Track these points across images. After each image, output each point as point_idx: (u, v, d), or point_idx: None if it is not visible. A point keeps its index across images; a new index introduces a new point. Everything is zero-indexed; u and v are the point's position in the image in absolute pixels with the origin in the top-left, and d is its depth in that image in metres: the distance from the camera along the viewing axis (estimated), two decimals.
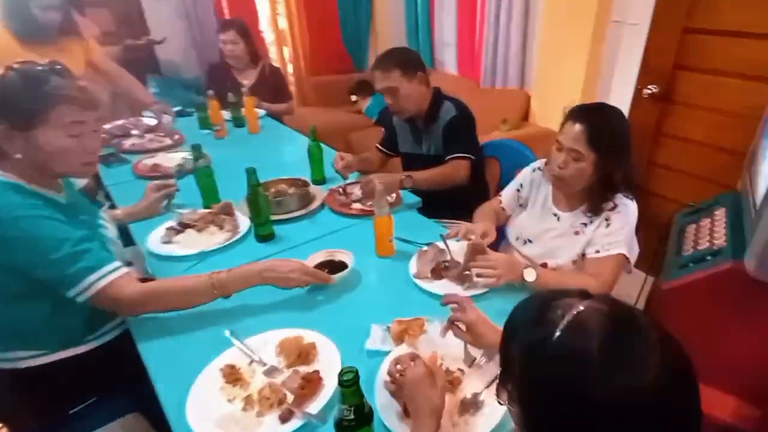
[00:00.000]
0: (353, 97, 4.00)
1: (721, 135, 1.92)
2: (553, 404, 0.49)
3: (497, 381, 0.60)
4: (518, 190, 1.50)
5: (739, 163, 1.60)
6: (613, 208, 1.23)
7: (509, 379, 0.55)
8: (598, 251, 1.22)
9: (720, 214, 1.36)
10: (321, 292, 1.21)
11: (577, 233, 1.29)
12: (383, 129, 2.11)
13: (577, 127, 1.18)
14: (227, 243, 1.40)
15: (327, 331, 1.04)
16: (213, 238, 1.43)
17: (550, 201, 1.39)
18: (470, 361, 0.95)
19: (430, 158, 1.82)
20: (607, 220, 1.23)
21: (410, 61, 1.72)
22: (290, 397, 0.87)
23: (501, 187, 1.81)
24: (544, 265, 1.32)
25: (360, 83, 3.97)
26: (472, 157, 1.75)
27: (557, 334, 0.49)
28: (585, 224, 1.28)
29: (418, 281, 1.23)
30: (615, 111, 1.22)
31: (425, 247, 1.34)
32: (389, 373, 0.89)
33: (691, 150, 2.06)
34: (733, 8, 1.78)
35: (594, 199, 1.25)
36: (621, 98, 2.25)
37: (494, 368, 0.91)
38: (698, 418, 0.48)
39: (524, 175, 1.49)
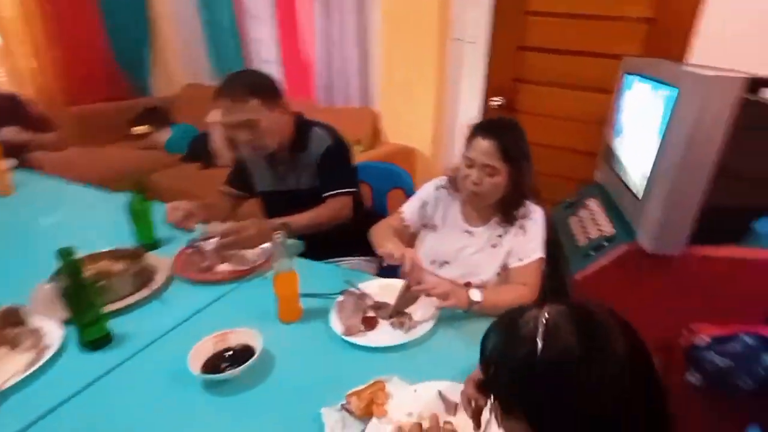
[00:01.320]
0: (138, 129, 3.31)
1: (560, 136, 2.32)
2: (556, 406, 0.54)
3: (493, 410, 0.63)
4: (422, 207, 1.44)
5: (584, 159, 1.98)
6: (525, 216, 1.30)
7: (508, 403, 0.59)
8: (521, 259, 1.26)
9: (593, 204, 1.62)
10: (223, 390, 0.90)
11: (494, 246, 1.31)
12: (231, 166, 1.77)
13: (488, 142, 1.21)
14: (36, 368, 0.94)
15: None
16: (6, 367, 0.95)
17: (460, 219, 1.38)
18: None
19: (300, 194, 1.59)
20: (522, 228, 1.28)
21: (269, 86, 1.47)
22: None
23: (374, 211, 1.77)
24: (469, 285, 1.30)
25: (148, 111, 3.36)
26: (355, 190, 1.60)
27: (539, 346, 0.54)
28: (500, 236, 1.30)
29: (350, 339, 1.05)
30: (516, 123, 1.30)
31: (340, 297, 1.16)
32: None
33: (540, 152, 2.42)
34: (553, 31, 2.21)
35: (507, 209, 1.30)
36: (470, 111, 2.50)
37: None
38: (660, 386, 0.56)
39: (427, 192, 1.45)
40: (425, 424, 0.79)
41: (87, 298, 0.99)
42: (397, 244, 1.24)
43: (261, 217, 1.65)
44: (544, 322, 0.56)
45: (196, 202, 1.59)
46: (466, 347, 1.02)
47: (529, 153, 1.27)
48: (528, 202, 1.31)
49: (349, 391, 0.85)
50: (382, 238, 1.35)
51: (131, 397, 0.91)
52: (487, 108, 2.47)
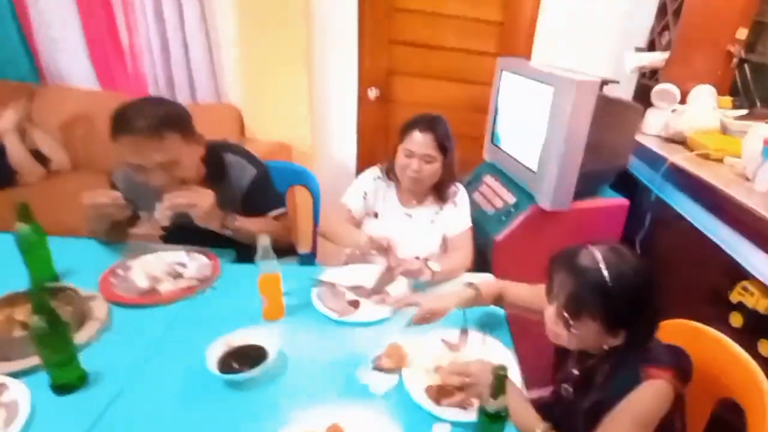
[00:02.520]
0: None
1: None
2: (623, 305, 0.91)
3: (568, 320, 0.95)
4: (364, 198, 1.62)
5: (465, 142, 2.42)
6: (456, 193, 1.64)
7: (584, 312, 0.92)
8: (457, 228, 1.61)
9: (490, 180, 2.04)
10: (241, 388, 1.00)
11: (433, 222, 1.62)
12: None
13: (426, 135, 1.49)
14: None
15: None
16: None
17: (398, 203, 1.63)
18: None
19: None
20: (454, 203, 1.62)
21: (183, 115, 1.34)
22: None
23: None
24: (426, 260, 1.57)
25: None
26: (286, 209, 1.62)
27: (605, 273, 0.90)
28: (437, 212, 1.62)
29: (346, 318, 1.24)
30: (443, 118, 1.58)
31: (315, 290, 1.32)
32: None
33: None
34: (422, 27, 2.54)
35: (440, 190, 1.61)
36: (346, 102, 2.65)
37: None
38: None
39: (365, 183, 1.64)
40: (450, 379, 1.01)
41: (62, 337, 0.92)
42: (366, 236, 1.41)
43: None
44: (600, 256, 0.91)
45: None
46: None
47: (454, 141, 1.56)
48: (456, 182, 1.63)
49: (376, 355, 1.08)
50: (350, 232, 1.52)
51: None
52: (363, 99, 2.67)
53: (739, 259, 1.53)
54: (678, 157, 1.80)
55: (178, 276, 1.33)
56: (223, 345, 1.05)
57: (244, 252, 1.44)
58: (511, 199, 1.88)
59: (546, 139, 1.67)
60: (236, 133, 2.62)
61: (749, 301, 1.53)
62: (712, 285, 1.66)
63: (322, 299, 1.30)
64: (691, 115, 1.97)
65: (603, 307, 0.90)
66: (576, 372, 1.07)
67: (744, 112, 1.99)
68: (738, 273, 1.56)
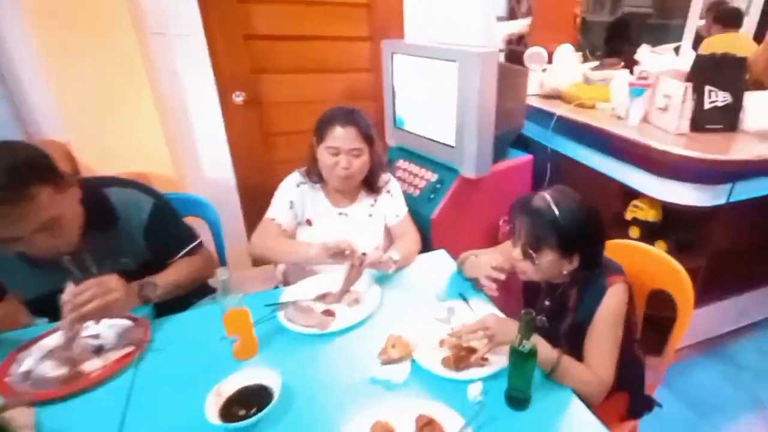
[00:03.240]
0: None
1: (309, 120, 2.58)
2: (573, 233, 1.08)
3: (532, 255, 1.11)
4: (291, 208, 1.54)
5: None
6: (387, 182, 1.66)
7: (543, 244, 1.09)
8: (397, 215, 1.63)
9: (403, 163, 2.09)
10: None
11: (371, 216, 1.62)
12: None
13: (349, 129, 1.45)
14: None
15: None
16: None
17: (329, 205, 1.59)
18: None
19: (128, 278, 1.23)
20: (388, 192, 1.64)
21: (43, 156, 1.10)
22: None
23: None
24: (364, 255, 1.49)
25: None
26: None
27: (555, 209, 1.07)
28: (372, 205, 1.62)
29: (329, 330, 1.20)
30: (356, 108, 1.57)
31: (280, 313, 1.24)
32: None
33: (295, 140, 2.54)
34: (279, 18, 2.33)
35: (372, 182, 1.62)
36: (208, 109, 2.31)
37: None
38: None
39: (288, 193, 1.55)
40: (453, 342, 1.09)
41: None
42: (318, 245, 1.34)
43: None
44: (550, 198, 1.08)
45: None
46: (409, 287, 1.39)
47: (374, 129, 1.56)
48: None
49: (380, 351, 1.09)
50: (292, 245, 1.46)
51: None
52: (228, 106, 2.35)
53: (627, 182, 1.85)
54: (562, 109, 2.07)
55: (99, 350, 1.11)
56: (216, 396, 0.94)
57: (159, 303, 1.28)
58: (433, 176, 1.96)
59: (458, 112, 1.77)
60: (71, 172, 2.16)
61: (641, 215, 1.87)
62: (611, 209, 1.98)
63: (294, 320, 1.22)
64: (559, 72, 2.26)
65: (558, 238, 1.08)
66: (547, 303, 1.23)
67: (596, 63, 2.36)
68: (628, 194, 1.89)
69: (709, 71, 1.71)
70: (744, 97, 1.72)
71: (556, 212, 1.07)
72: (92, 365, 1.07)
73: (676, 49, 2.18)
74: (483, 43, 2.53)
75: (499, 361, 1.05)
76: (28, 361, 1.07)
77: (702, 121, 1.73)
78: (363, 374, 1.05)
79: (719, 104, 1.72)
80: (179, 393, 0.99)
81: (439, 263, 1.51)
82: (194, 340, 1.17)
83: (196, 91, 2.29)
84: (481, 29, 2.67)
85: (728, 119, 1.74)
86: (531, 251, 1.11)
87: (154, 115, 2.23)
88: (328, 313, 1.26)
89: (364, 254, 1.35)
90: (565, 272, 1.14)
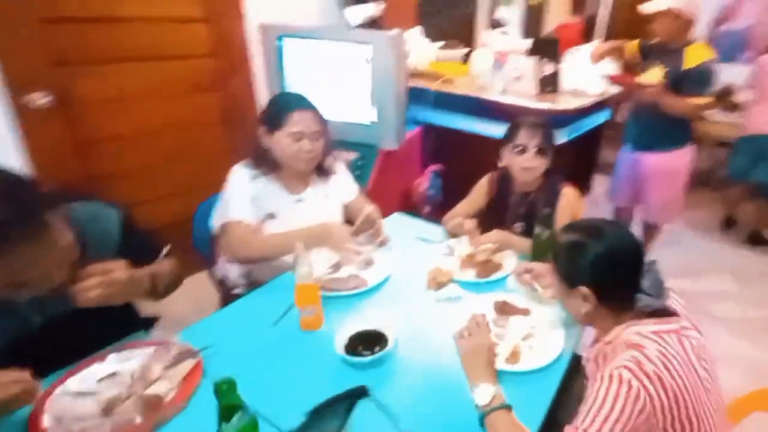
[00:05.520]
0: None
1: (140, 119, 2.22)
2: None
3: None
4: (253, 203, 1.54)
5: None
6: (334, 162, 1.81)
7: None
8: (353, 192, 1.80)
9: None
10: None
11: (327, 196, 1.76)
12: None
13: (306, 113, 1.53)
14: None
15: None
16: None
17: (285, 194, 1.65)
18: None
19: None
20: (337, 171, 1.81)
21: (37, 183, 0.97)
22: None
23: None
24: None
25: None
26: None
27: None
28: (325, 186, 1.76)
29: (363, 285, 1.39)
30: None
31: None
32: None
33: (126, 146, 2.21)
34: None
35: (321, 165, 1.75)
36: None
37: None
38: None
39: (245, 189, 1.53)
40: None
41: None
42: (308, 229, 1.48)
43: None
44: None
45: None
46: (403, 244, 1.63)
47: None
48: None
49: (427, 284, 1.37)
50: (280, 238, 1.49)
51: None
52: (24, 111, 1.86)
53: (499, 136, 2.39)
54: (435, 84, 2.52)
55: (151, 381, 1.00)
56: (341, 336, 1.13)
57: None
58: (351, 155, 2.16)
59: (375, 92, 2.02)
60: None
61: None
62: (492, 162, 2.52)
63: (337, 288, 1.36)
64: (417, 52, 2.70)
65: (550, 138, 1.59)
66: (522, 209, 1.65)
67: (442, 43, 2.89)
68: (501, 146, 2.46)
69: (541, 49, 2.40)
70: (560, 67, 2.49)
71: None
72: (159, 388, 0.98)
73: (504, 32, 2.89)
74: (329, 23, 2.72)
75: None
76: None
77: (542, 85, 2.41)
78: (427, 302, 1.31)
79: (547, 73, 2.43)
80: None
81: (402, 224, 1.79)
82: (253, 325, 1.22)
83: None
84: (323, 11, 2.85)
85: (554, 83, 2.48)
86: (547, 148, 1.55)
87: None
88: (356, 278, 1.41)
89: None
90: (545, 168, 1.59)
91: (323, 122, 1.56)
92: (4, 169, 0.90)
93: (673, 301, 1.00)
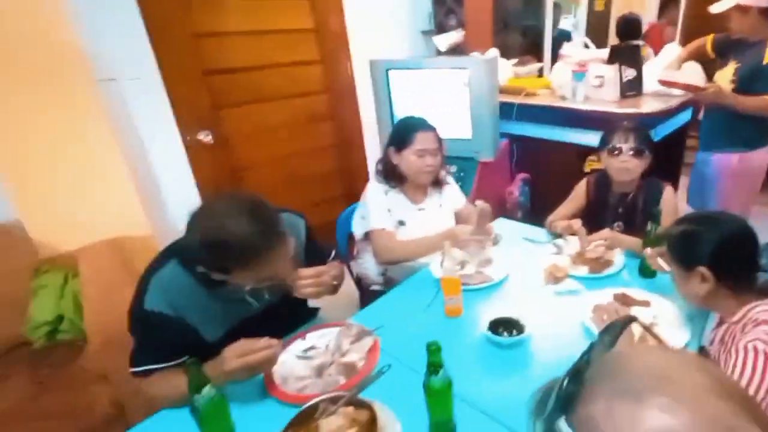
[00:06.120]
0: None
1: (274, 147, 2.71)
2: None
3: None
4: (390, 213, 1.82)
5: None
6: (445, 175, 2.05)
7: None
8: (461, 199, 2.03)
9: None
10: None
11: (441, 205, 2.01)
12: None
13: (429, 133, 1.79)
14: None
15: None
16: None
17: (409, 204, 1.92)
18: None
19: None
20: (447, 182, 2.03)
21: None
22: None
23: None
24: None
25: None
26: None
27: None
28: (439, 196, 1.97)
29: (483, 281, 1.60)
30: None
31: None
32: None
33: (264, 171, 2.72)
34: (234, 50, 2.43)
35: (437, 177, 1.94)
36: (170, 158, 2.26)
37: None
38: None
39: (382, 201, 1.81)
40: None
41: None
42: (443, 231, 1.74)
43: None
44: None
45: None
46: (511, 246, 1.83)
47: None
48: None
49: (545, 280, 1.55)
50: (417, 243, 1.75)
51: None
52: (193, 148, 2.33)
53: (582, 143, 2.59)
54: (518, 98, 2.75)
55: (343, 352, 1.30)
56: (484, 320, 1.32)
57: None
58: (451, 169, 2.43)
59: (473, 109, 2.28)
60: (28, 256, 2.01)
61: (596, 165, 2.63)
62: (574, 167, 2.70)
63: (466, 283, 1.54)
64: (501, 71, 2.95)
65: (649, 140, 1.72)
66: (622, 210, 1.78)
67: (516, 60, 3.13)
68: (584, 153, 2.64)
69: (620, 56, 2.58)
70: (642, 71, 2.64)
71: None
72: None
73: (585, 45, 3.09)
74: (411, 52, 3.11)
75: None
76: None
77: (623, 90, 2.58)
78: (548, 295, 1.50)
79: (630, 78, 2.59)
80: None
81: (506, 227, 1.98)
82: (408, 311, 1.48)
83: (155, 134, 2.21)
84: (410, 42, 3.22)
85: (636, 87, 2.64)
86: (642, 148, 1.68)
87: (122, 173, 2.19)
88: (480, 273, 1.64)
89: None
90: (642, 168, 1.71)
91: (440, 140, 1.81)
92: (242, 193, 1.23)
93: None
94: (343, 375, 1.22)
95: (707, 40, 2.40)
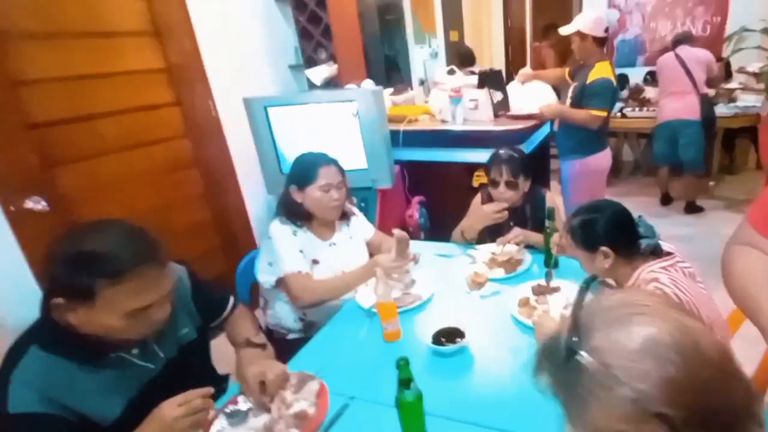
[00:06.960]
0: None
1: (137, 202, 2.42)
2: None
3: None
4: (303, 254, 1.77)
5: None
6: (350, 207, 2.07)
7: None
8: (370, 228, 2.06)
9: None
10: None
11: (351, 237, 2.01)
12: None
13: (331, 167, 1.79)
14: None
15: None
16: None
17: (318, 241, 1.88)
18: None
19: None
20: (354, 213, 2.04)
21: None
22: None
23: None
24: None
25: None
26: None
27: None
28: (347, 227, 1.98)
29: (414, 301, 1.67)
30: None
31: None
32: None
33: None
34: (68, 97, 2.14)
35: (343, 210, 1.96)
36: None
37: None
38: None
39: (292, 242, 1.75)
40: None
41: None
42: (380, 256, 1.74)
43: None
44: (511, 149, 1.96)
45: None
46: (428, 263, 1.96)
47: None
48: None
49: (468, 285, 1.69)
50: (338, 281, 1.75)
51: None
52: (17, 218, 1.93)
53: (469, 160, 2.80)
54: (402, 125, 2.90)
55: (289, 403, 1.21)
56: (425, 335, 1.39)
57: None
58: (353, 199, 2.44)
59: (365, 138, 2.35)
60: None
61: (483, 179, 2.86)
62: (463, 183, 2.88)
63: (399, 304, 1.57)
64: None
65: (526, 168, 1.95)
66: (512, 222, 1.91)
67: (391, 90, 3.31)
68: (472, 169, 2.85)
69: (487, 81, 2.87)
70: (507, 92, 2.97)
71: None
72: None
73: (450, 71, 3.34)
74: (287, 87, 3.16)
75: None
76: None
77: (495, 110, 2.86)
78: (476, 299, 1.64)
79: (498, 99, 2.89)
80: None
81: (417, 248, 1.98)
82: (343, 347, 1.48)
83: None
84: (279, 77, 3.20)
85: (505, 107, 2.94)
86: (515, 181, 1.89)
87: None
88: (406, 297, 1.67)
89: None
90: (525, 191, 1.94)
91: (343, 172, 1.82)
92: (121, 220, 1.10)
93: (665, 246, 1.35)
94: (295, 428, 1.14)
95: (566, 70, 3.04)
